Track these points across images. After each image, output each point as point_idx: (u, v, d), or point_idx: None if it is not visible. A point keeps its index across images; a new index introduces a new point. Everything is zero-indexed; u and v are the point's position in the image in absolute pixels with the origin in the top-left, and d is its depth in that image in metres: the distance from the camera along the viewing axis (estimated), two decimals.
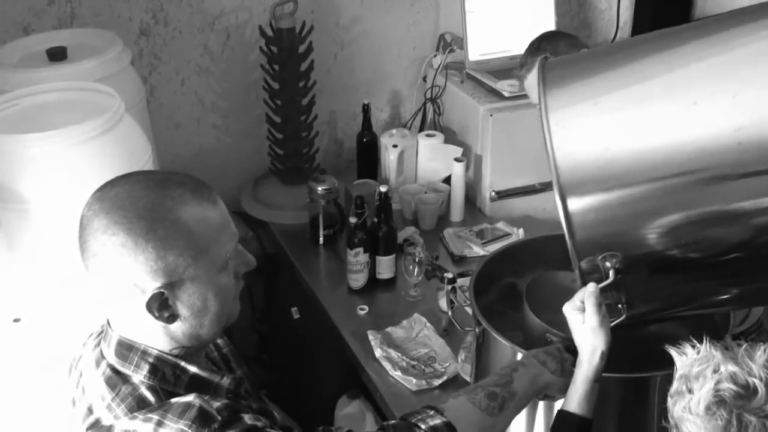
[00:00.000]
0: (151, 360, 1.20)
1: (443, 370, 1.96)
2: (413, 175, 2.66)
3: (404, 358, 2.00)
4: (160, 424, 1.14)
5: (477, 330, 1.66)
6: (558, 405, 1.43)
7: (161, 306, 1.17)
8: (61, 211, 1.63)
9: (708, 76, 1.26)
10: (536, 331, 1.58)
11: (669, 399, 1.15)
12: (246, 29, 2.56)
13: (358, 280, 2.24)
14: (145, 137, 1.92)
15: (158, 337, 1.21)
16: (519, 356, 1.50)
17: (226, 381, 1.25)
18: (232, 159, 2.71)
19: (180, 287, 1.17)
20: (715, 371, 1.10)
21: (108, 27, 2.28)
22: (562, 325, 1.43)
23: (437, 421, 1.29)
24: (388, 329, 2.10)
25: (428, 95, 2.78)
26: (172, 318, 1.18)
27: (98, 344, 1.27)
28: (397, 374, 1.95)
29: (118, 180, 1.19)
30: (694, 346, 1.15)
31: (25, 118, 1.80)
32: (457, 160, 2.51)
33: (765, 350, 1.11)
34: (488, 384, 1.39)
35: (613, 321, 1.38)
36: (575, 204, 1.31)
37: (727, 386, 1.08)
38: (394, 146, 2.58)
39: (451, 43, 2.75)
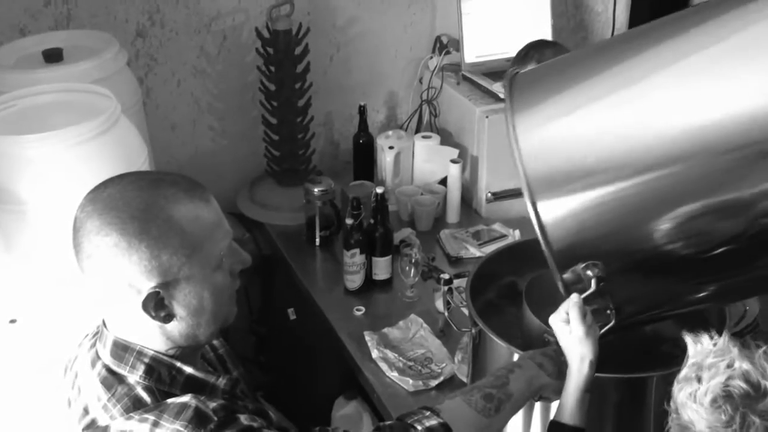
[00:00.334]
0: (146, 360, 1.20)
1: (440, 370, 1.96)
2: (409, 177, 2.66)
3: (401, 359, 2.00)
4: (156, 424, 1.14)
5: (473, 331, 1.66)
6: (554, 406, 1.43)
7: (157, 306, 1.17)
8: (58, 212, 1.62)
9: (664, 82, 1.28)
10: (534, 331, 1.58)
11: (675, 383, 1.14)
12: (242, 31, 2.56)
13: (354, 281, 2.24)
14: (142, 139, 1.92)
15: (154, 338, 1.21)
16: (516, 357, 1.50)
17: (222, 382, 1.25)
18: (229, 160, 2.71)
19: (175, 286, 1.17)
20: (729, 366, 1.09)
21: (104, 28, 2.28)
22: None
23: (433, 422, 1.29)
24: (385, 330, 2.10)
25: (424, 97, 2.78)
26: (169, 318, 1.18)
27: (94, 345, 1.26)
28: (393, 375, 1.95)
29: (110, 181, 1.19)
30: (711, 338, 1.14)
31: (22, 119, 1.80)
32: (453, 161, 2.51)
33: None
34: (484, 385, 1.39)
35: (602, 327, 1.39)
36: (549, 216, 1.33)
37: (738, 383, 1.07)
38: (391, 148, 2.58)
39: (447, 44, 2.75)
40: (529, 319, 1.60)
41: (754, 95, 1.17)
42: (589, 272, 1.32)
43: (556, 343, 1.51)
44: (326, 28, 2.68)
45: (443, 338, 2.06)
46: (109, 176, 1.21)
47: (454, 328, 1.83)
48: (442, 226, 2.52)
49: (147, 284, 1.15)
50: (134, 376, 1.20)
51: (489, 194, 2.11)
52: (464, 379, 1.87)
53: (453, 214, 2.55)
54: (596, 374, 1.40)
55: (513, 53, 2.33)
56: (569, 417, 1.37)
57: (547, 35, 2.68)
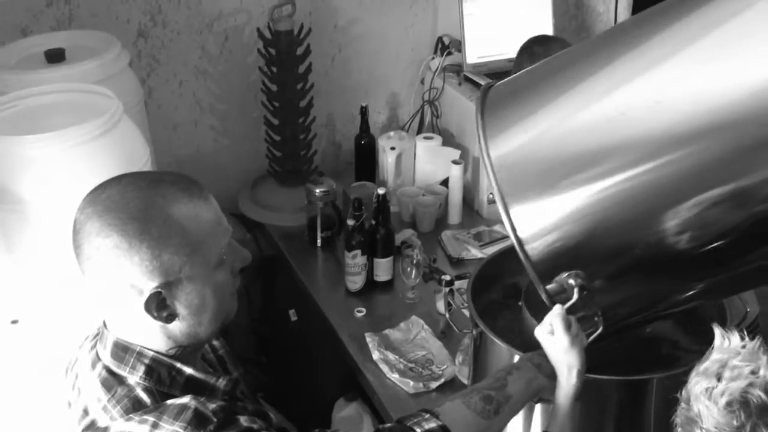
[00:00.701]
0: (146, 361, 1.20)
1: (441, 372, 1.96)
2: (411, 178, 2.66)
3: (402, 360, 2.00)
4: (155, 425, 1.14)
5: (474, 332, 1.66)
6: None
7: (159, 306, 1.17)
8: (59, 213, 1.62)
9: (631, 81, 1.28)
10: (533, 334, 1.58)
11: (693, 372, 1.11)
12: (244, 31, 2.56)
13: (355, 282, 2.24)
14: (143, 139, 1.92)
15: (156, 338, 1.21)
16: (516, 359, 1.50)
17: (222, 382, 1.25)
18: (230, 161, 2.71)
19: (177, 286, 1.17)
20: (753, 372, 1.06)
21: (106, 29, 2.27)
22: None
23: (432, 424, 1.29)
24: (386, 331, 2.10)
25: (426, 97, 2.78)
26: (171, 317, 1.19)
27: (94, 346, 1.27)
28: (394, 376, 1.95)
29: (109, 182, 1.20)
30: (743, 338, 1.11)
31: (24, 119, 1.80)
32: (455, 162, 2.51)
33: None
34: (483, 387, 1.39)
35: (590, 335, 1.38)
36: (525, 227, 1.34)
37: (759, 393, 1.04)
38: (392, 148, 2.58)
39: (449, 45, 2.75)
40: (529, 321, 1.60)
41: (743, 86, 1.15)
42: (571, 281, 1.31)
43: None
44: (328, 28, 2.69)
45: (444, 340, 2.05)
46: (111, 176, 1.22)
47: (455, 329, 1.83)
48: (444, 227, 2.52)
49: (149, 285, 1.15)
50: (134, 377, 1.20)
51: (491, 195, 2.12)
52: (465, 381, 1.87)
53: (454, 216, 2.55)
54: (597, 376, 1.40)
55: (514, 54, 2.33)
56: (560, 427, 1.37)
57: None
